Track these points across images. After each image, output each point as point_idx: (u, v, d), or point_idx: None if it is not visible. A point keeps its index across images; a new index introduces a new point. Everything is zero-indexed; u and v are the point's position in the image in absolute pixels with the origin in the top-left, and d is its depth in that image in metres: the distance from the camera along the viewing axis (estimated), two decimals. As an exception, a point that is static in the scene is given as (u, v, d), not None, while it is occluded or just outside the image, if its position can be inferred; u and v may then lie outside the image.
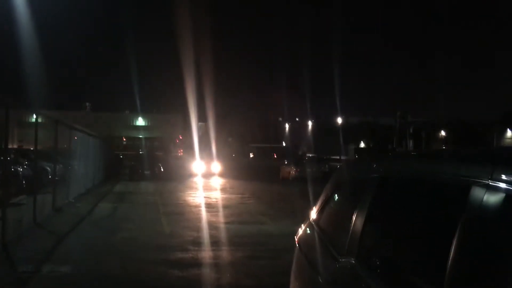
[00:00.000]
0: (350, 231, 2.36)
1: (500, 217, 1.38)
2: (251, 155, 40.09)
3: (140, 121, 50.09)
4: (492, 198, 1.41)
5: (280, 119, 60.17)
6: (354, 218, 2.36)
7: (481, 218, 1.43)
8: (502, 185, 1.38)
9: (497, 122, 47.99)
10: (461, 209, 1.52)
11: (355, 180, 2.76)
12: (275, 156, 38.15)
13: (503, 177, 1.39)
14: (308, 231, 3.37)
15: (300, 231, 3.55)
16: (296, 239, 3.52)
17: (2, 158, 8.85)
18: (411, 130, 51.50)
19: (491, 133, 47.42)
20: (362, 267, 2.18)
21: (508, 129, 47.88)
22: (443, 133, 50.70)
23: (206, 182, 24.43)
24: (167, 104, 51.81)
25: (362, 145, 59.53)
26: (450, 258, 1.49)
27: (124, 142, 36.84)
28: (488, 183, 1.43)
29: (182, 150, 32.43)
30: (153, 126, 48.50)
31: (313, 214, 3.41)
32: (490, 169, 1.46)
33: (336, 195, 3.15)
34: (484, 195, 1.44)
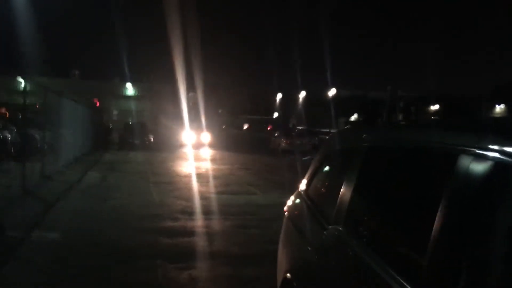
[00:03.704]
0: (338, 200, 2.39)
1: (486, 185, 1.39)
2: (243, 127, 40.01)
3: (130, 90, 49.51)
4: (479, 167, 1.41)
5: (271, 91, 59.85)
6: (342, 187, 2.39)
7: (467, 187, 1.43)
8: (489, 154, 1.38)
9: (486, 97, 48.25)
10: (448, 178, 1.53)
11: (344, 150, 2.78)
12: (266, 128, 38.10)
13: (491, 145, 1.40)
14: (297, 201, 3.41)
15: (289, 201, 3.59)
16: (285, 209, 3.57)
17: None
18: (401, 104, 51.68)
19: (480, 108, 47.74)
20: (349, 235, 2.21)
21: (496, 104, 48.17)
22: (432, 107, 50.96)
23: (196, 153, 24.45)
24: (157, 74, 51.10)
25: (352, 118, 59.68)
26: (434, 227, 1.51)
27: (115, 111, 36.68)
28: (475, 152, 1.44)
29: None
30: (142, 96, 47.99)
31: (303, 184, 3.44)
32: (478, 137, 1.46)
33: (325, 165, 3.17)
34: (470, 163, 1.44)
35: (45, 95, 11.95)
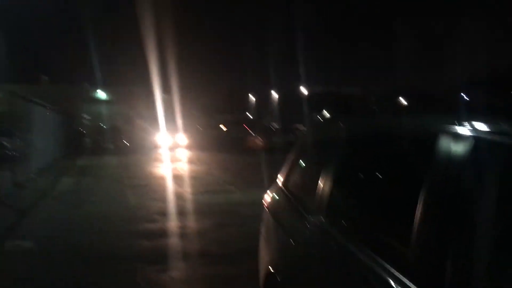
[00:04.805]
0: (318, 191, 2.37)
1: (467, 166, 1.37)
2: (219, 127, 39.89)
3: (101, 94, 48.66)
4: (460, 147, 1.39)
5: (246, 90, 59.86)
6: (322, 178, 2.37)
7: (448, 168, 1.42)
8: (470, 133, 1.37)
9: (455, 91, 49.22)
10: (428, 161, 1.50)
11: (321, 142, 2.76)
12: (241, 127, 38.08)
13: (471, 124, 1.38)
14: (277, 195, 3.38)
15: (268, 196, 3.56)
16: (264, 204, 3.53)
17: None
18: (373, 100, 52.41)
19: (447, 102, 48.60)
20: (331, 225, 2.20)
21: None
22: (403, 102, 51.77)
23: (172, 155, 24.21)
24: (129, 76, 50.36)
25: (325, 114, 60.09)
26: (418, 211, 1.48)
27: (87, 116, 36.16)
28: (456, 132, 1.42)
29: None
30: (115, 99, 47.25)
31: (281, 177, 3.42)
32: (457, 117, 1.45)
33: (303, 157, 3.16)
34: (451, 144, 1.42)
35: (13, 101, 11.62)
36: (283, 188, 3.29)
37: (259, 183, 11.54)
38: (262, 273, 3.08)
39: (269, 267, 2.84)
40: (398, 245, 1.65)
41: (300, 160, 3.20)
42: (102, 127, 30.88)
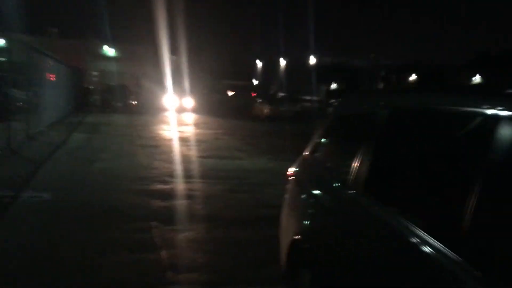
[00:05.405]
0: (356, 164, 2.38)
1: None
2: (226, 92, 39.76)
3: (110, 51, 48.22)
4: None
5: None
6: (360, 152, 2.39)
7: (509, 156, 1.40)
8: None
9: (466, 66, 48.43)
10: (485, 146, 1.48)
11: (359, 116, 2.78)
12: (248, 94, 37.93)
13: None
14: (304, 166, 3.44)
15: (295, 166, 3.60)
16: (289, 173, 3.58)
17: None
18: (382, 73, 51.86)
19: (460, 77, 47.98)
20: (369, 200, 2.23)
21: (477, 74, 48.39)
22: (414, 76, 51.15)
23: (179, 117, 24.25)
24: (139, 35, 49.70)
25: (333, 86, 59.58)
26: (473, 197, 1.46)
27: (95, 73, 36.10)
28: None
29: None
30: (123, 58, 46.85)
31: (310, 149, 3.47)
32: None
33: (334, 131, 3.20)
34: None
35: (28, 54, 11.59)
36: (312, 159, 3.34)
37: (267, 151, 11.70)
38: (285, 241, 3.17)
39: (296, 235, 2.93)
40: (449, 224, 1.62)
41: (331, 134, 3.24)
42: (111, 85, 30.79)
